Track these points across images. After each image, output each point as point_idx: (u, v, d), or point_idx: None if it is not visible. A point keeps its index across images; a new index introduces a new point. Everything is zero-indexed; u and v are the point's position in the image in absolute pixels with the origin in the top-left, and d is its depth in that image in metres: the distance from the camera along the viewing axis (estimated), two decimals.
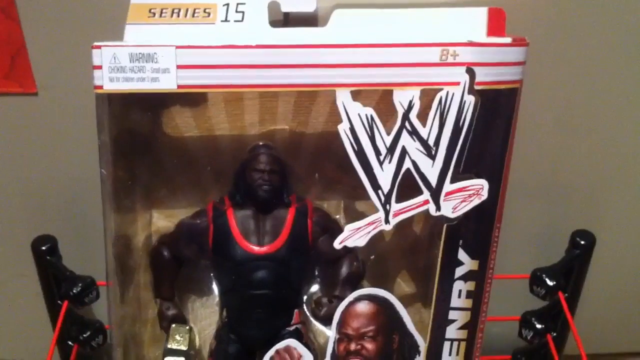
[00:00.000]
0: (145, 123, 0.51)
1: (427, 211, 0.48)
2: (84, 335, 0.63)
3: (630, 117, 0.66)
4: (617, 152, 0.68)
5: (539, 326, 0.67)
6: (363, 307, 0.50)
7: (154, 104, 0.50)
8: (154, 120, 0.52)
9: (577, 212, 0.71)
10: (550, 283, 0.64)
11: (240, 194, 0.52)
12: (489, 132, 0.48)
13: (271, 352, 0.51)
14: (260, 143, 0.52)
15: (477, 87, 0.46)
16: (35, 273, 0.64)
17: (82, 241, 0.67)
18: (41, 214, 0.67)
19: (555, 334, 0.68)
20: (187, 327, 0.53)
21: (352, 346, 0.50)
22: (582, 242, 0.65)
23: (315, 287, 0.55)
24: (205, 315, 0.56)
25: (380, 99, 0.47)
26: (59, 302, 0.64)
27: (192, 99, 0.50)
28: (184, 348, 0.52)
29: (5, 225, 0.68)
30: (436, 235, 0.50)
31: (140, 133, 0.52)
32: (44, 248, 0.62)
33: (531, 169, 0.67)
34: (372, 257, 0.53)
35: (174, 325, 0.53)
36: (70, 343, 0.65)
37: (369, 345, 0.50)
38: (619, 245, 0.74)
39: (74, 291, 0.61)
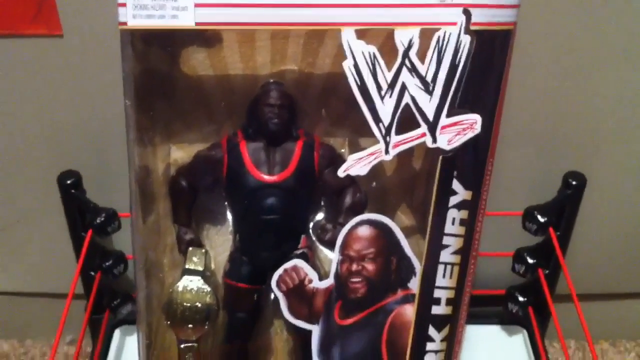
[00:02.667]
0: (164, 63, 0.55)
1: (424, 143, 0.52)
2: (107, 264, 0.68)
3: (622, 60, 0.68)
4: (609, 96, 0.70)
5: (530, 261, 0.70)
6: (364, 230, 0.54)
7: (172, 44, 0.54)
8: (172, 60, 0.55)
9: (569, 154, 0.73)
10: (541, 219, 0.68)
11: (252, 127, 0.55)
12: (484, 71, 0.51)
13: (279, 271, 0.55)
14: (271, 80, 0.55)
15: (472, 28, 0.49)
16: (60, 208, 0.68)
17: (104, 176, 0.71)
18: (66, 151, 0.71)
19: (547, 272, 0.72)
20: (203, 250, 0.57)
21: (354, 267, 0.54)
22: (574, 183, 0.68)
23: (320, 216, 0.59)
24: (220, 242, 0.60)
25: (383, 42, 0.51)
26: (82, 234, 0.68)
27: (207, 40, 0.54)
28: (200, 268, 0.56)
29: (32, 161, 0.72)
30: (434, 171, 0.53)
31: (159, 72, 0.55)
32: (69, 182, 0.66)
33: (525, 112, 0.70)
34: (374, 184, 0.56)
35: (191, 248, 0.57)
36: (92, 273, 0.70)
37: (369, 266, 0.54)
38: (610, 188, 0.77)
39: (98, 221, 0.66)
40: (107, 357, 0.73)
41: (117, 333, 0.75)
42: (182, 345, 0.56)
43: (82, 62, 0.65)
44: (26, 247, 0.80)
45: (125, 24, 0.49)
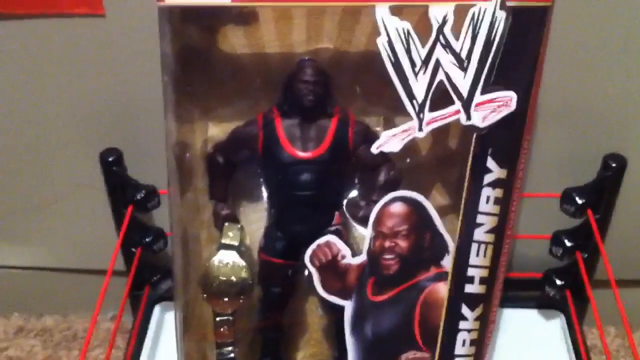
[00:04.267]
0: (202, 41, 0.56)
1: (458, 121, 0.52)
2: (147, 240, 0.70)
3: None
4: None
5: (568, 244, 0.69)
6: (397, 207, 0.54)
7: (210, 21, 0.55)
8: (210, 38, 0.56)
9: (610, 136, 0.72)
10: (579, 201, 0.67)
11: (287, 103, 0.56)
12: (520, 47, 0.50)
13: (313, 246, 0.55)
14: (307, 57, 0.55)
15: (509, 4, 0.49)
16: (102, 184, 0.70)
17: (145, 154, 0.72)
18: (108, 129, 0.72)
19: (586, 255, 0.71)
20: (239, 226, 0.58)
21: (387, 243, 0.55)
22: (614, 165, 0.67)
23: (354, 193, 0.59)
24: (256, 219, 0.61)
25: (418, 19, 0.51)
26: (123, 210, 0.70)
27: (244, 18, 0.54)
28: (235, 243, 0.57)
29: (74, 139, 0.74)
30: (469, 149, 0.53)
31: (197, 50, 0.56)
32: (110, 159, 0.68)
33: (564, 91, 0.69)
34: (408, 160, 0.57)
35: (227, 224, 0.58)
36: (133, 249, 0.71)
37: (402, 243, 0.55)
38: None
39: (138, 197, 0.67)
40: (146, 333, 0.74)
41: (157, 309, 0.76)
42: (217, 318, 0.57)
43: (123, 41, 0.66)
44: (69, 224, 0.82)
45: (163, 0, 0.50)
